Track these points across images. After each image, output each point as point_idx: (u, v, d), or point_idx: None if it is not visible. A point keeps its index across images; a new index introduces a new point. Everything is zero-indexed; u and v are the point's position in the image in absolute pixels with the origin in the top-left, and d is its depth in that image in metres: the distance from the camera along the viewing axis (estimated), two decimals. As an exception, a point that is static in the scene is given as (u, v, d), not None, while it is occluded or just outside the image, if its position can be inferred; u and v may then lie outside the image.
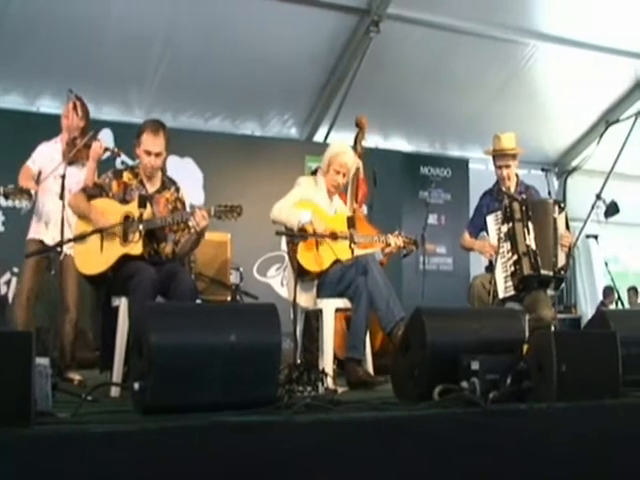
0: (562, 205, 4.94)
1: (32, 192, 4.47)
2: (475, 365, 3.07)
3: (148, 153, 4.21)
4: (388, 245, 4.71)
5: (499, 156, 5.04)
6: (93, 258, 4.08)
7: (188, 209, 4.33)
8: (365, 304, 4.36)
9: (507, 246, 4.74)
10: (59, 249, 4.13)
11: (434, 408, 2.96)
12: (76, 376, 4.60)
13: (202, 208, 4.08)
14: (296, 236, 4.41)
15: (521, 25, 7.83)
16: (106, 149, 4.97)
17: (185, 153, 7.23)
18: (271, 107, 8.03)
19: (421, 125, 8.59)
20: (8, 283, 6.32)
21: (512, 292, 4.69)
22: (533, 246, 4.67)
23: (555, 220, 4.78)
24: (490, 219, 4.86)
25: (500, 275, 4.70)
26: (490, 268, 4.83)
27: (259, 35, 7.07)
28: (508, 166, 5.01)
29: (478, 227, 5.07)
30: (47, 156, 4.92)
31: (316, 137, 8.28)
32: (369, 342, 4.52)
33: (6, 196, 4.18)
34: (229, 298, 5.57)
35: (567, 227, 4.87)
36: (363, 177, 5.73)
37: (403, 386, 3.31)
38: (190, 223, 4.08)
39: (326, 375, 3.59)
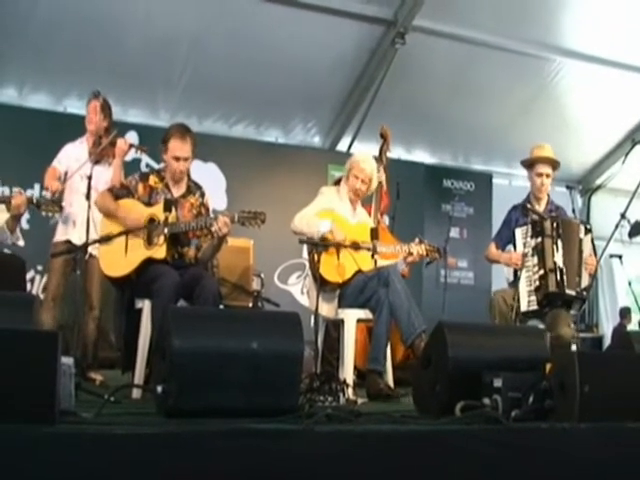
0: (588, 227, 4.91)
1: (65, 204, 4.54)
2: (498, 382, 3.05)
3: (177, 159, 4.22)
4: (410, 254, 4.70)
5: (541, 163, 5.00)
6: (117, 260, 4.10)
7: (212, 215, 4.34)
8: (386, 316, 4.36)
9: (534, 260, 4.72)
10: (84, 250, 4.16)
11: (455, 424, 2.93)
12: (98, 376, 4.64)
13: (225, 214, 4.08)
14: (318, 245, 4.41)
15: (548, 41, 7.82)
16: (131, 145, 5.01)
17: (209, 158, 7.26)
18: (295, 115, 8.05)
19: (445, 138, 8.58)
20: (32, 281, 6.37)
21: (535, 307, 4.67)
22: (560, 264, 4.64)
23: (581, 241, 4.77)
24: (519, 232, 4.84)
25: (524, 288, 4.69)
26: (514, 283, 4.81)
27: (285, 43, 7.11)
28: (548, 175, 4.99)
29: (505, 240, 5.05)
30: (73, 157, 4.98)
31: (339, 146, 8.29)
32: (390, 354, 4.51)
33: (38, 205, 4.22)
34: (250, 304, 5.58)
35: (594, 251, 4.84)
36: (386, 189, 5.73)
37: (424, 400, 3.30)
38: (212, 229, 4.09)
39: (347, 386, 3.58)
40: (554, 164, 5.05)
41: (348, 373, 4.29)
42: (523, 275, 4.69)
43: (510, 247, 4.98)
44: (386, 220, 6.23)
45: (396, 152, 8.07)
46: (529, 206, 4.93)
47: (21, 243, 4.55)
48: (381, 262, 4.59)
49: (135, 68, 6.89)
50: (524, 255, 4.71)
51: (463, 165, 9.05)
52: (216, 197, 6.83)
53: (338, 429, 2.76)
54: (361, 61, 7.61)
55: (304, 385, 3.43)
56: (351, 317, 4.47)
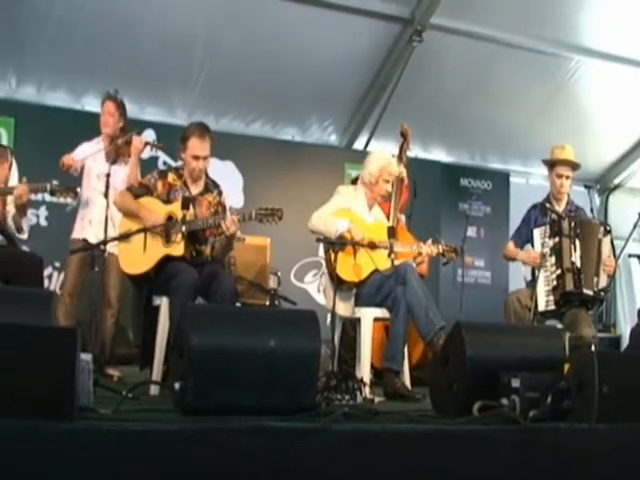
0: (608, 228, 4.89)
1: (78, 190, 4.50)
2: (516, 382, 3.04)
3: (196, 158, 4.24)
4: (419, 254, 4.68)
5: (562, 164, 5.01)
6: (136, 257, 4.12)
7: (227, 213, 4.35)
8: (403, 314, 4.35)
9: (552, 260, 4.72)
10: (103, 247, 4.17)
11: (473, 424, 2.93)
12: (115, 372, 4.67)
13: (233, 213, 4.10)
14: (335, 243, 4.41)
15: (566, 40, 7.76)
16: (147, 143, 5.04)
17: (226, 156, 7.26)
18: (312, 113, 8.03)
19: (462, 136, 8.53)
20: (50, 277, 6.41)
21: (552, 307, 4.66)
22: (578, 264, 4.65)
23: (600, 241, 4.76)
24: (537, 232, 4.84)
25: (542, 288, 4.68)
26: (532, 283, 4.79)
27: (302, 41, 7.10)
28: (568, 177, 5.00)
29: (523, 238, 5.05)
30: (90, 155, 5.00)
31: (356, 145, 8.26)
32: (407, 354, 4.50)
33: (52, 193, 4.22)
34: (267, 302, 5.58)
35: (613, 252, 4.82)
36: (407, 184, 5.69)
37: (441, 400, 3.30)
38: (222, 227, 4.11)
39: (364, 384, 3.58)
40: (574, 166, 5.04)
41: (365, 372, 4.28)
42: (541, 275, 4.69)
43: (528, 246, 4.97)
44: (403, 219, 6.20)
45: (413, 150, 8.01)
46: (548, 206, 4.91)
47: (24, 237, 4.50)
48: (397, 262, 4.58)
49: (152, 66, 6.90)
50: (542, 255, 4.70)
51: (480, 164, 8.99)
52: (233, 195, 6.84)
53: (355, 428, 2.76)
54: (378, 59, 7.58)
55: (321, 383, 3.43)
56: (368, 316, 4.46)
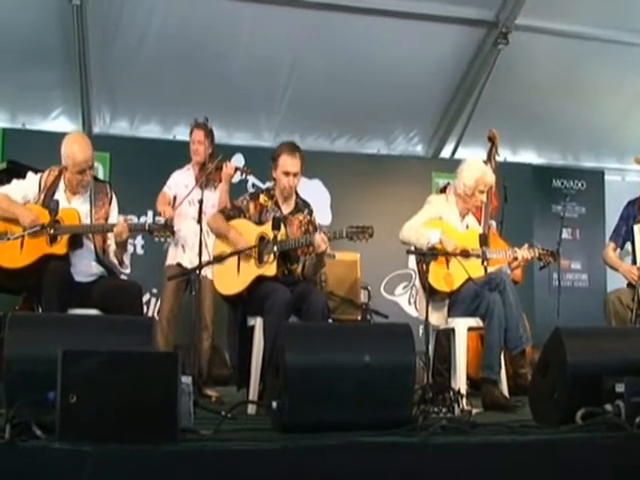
0: None
1: (175, 229, 4.52)
2: (620, 387, 2.93)
3: (287, 174, 4.32)
4: (515, 259, 4.59)
5: None
6: (230, 279, 4.22)
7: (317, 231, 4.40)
8: (498, 322, 4.26)
9: None
10: (198, 271, 4.28)
11: (577, 432, 2.84)
12: (213, 393, 4.77)
13: (323, 231, 4.14)
14: (427, 254, 4.37)
15: (656, 29, 7.47)
16: (237, 169, 5.14)
17: (313, 175, 7.31)
18: (396, 125, 7.99)
19: (552, 137, 8.31)
20: (147, 303, 6.60)
21: None
22: (682, 260, 4.46)
23: None
24: (637, 228, 4.70)
25: None
26: (633, 285, 4.63)
27: (384, 53, 7.08)
28: None
29: (623, 236, 4.90)
30: (181, 183, 5.18)
31: (443, 153, 8.18)
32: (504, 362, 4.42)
33: (151, 232, 4.31)
34: (359, 317, 5.59)
35: None
36: (495, 192, 5.60)
37: (542, 409, 3.22)
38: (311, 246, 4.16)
39: (461, 396, 3.53)
40: None
41: (461, 383, 4.21)
42: None
43: (628, 245, 4.82)
44: (493, 225, 6.09)
45: (502, 154, 7.86)
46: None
47: (127, 271, 4.63)
48: (491, 269, 4.50)
49: (238, 92, 7.04)
50: None
51: (573, 163, 8.73)
52: (322, 212, 6.90)
53: (454, 441, 2.73)
54: (462, 65, 7.48)
55: (417, 396, 3.40)
56: (462, 325, 4.40)
